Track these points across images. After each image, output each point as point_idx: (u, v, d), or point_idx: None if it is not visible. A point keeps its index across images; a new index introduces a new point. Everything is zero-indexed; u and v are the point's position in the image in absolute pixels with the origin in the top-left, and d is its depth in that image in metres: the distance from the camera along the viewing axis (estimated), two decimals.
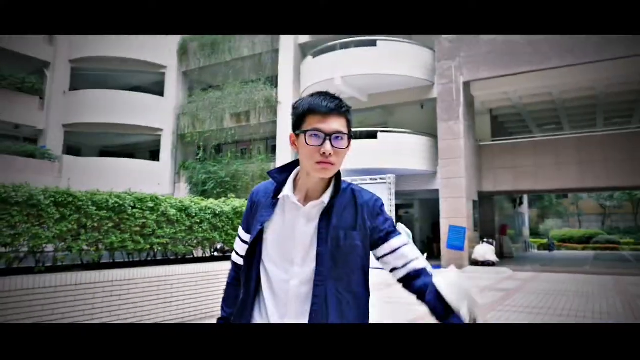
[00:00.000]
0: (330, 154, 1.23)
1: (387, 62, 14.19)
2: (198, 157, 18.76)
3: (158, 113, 19.10)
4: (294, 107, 1.33)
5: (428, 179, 14.77)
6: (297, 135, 1.30)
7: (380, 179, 13.11)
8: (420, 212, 18.85)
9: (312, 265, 1.26)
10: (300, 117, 1.30)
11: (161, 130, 19.23)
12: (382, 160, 13.98)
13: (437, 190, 14.19)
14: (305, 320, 1.23)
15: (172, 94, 19.65)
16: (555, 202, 31.71)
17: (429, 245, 18.03)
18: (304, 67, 16.28)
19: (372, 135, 14.42)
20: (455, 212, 13.43)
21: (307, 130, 1.26)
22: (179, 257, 6.05)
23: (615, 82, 14.49)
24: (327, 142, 1.24)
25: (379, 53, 14.34)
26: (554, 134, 17.13)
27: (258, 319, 1.31)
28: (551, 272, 12.30)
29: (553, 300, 7.31)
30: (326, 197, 1.29)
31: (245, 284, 1.35)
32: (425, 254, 1.46)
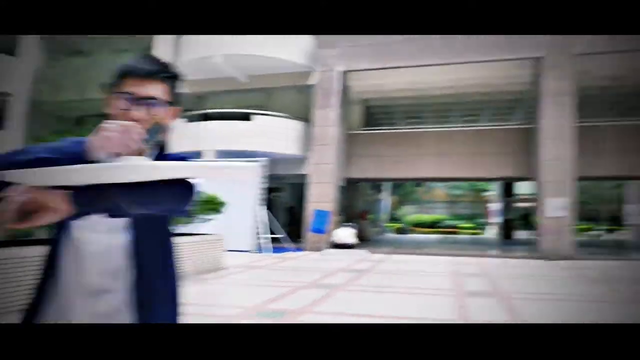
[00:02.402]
0: (138, 120, 1.14)
1: (272, 44, 14.20)
2: (58, 130, 16.79)
3: (6, 75, 16.52)
4: (116, 69, 1.24)
5: (299, 164, 15.24)
6: (113, 97, 1.21)
7: (253, 162, 13.22)
8: (291, 195, 19.45)
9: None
10: (117, 78, 1.21)
11: (9, 94, 16.71)
12: (255, 143, 14.11)
13: (305, 175, 14.75)
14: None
15: (27, 55, 17.16)
16: (413, 190, 35.17)
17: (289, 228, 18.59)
18: (183, 40, 15.48)
19: (246, 117, 14.45)
20: (322, 196, 14.16)
21: (120, 93, 1.19)
22: None
23: (474, 83, 16.15)
24: (141, 107, 1.17)
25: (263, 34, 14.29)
26: (416, 127, 18.82)
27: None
28: (401, 253, 13.72)
29: (397, 279, 8.25)
30: None
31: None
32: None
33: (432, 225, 29.49)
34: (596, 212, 27.58)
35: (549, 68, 13.29)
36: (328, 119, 14.70)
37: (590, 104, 16.34)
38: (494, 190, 28.34)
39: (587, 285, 7.95)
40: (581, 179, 13.56)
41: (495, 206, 27.55)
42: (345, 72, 15.11)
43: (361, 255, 12.68)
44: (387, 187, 30.42)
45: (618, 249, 16.64)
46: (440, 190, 34.89)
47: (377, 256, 12.59)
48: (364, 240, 16.99)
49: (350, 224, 14.78)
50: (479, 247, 17.32)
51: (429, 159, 15.99)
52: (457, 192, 34.41)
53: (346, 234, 14.00)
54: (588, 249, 14.98)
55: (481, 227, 29.34)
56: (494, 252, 15.05)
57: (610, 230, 26.00)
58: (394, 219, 31.61)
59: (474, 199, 33.41)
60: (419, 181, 29.64)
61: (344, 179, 15.73)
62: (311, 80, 15.25)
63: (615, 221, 26.86)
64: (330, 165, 14.44)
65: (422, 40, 14.11)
